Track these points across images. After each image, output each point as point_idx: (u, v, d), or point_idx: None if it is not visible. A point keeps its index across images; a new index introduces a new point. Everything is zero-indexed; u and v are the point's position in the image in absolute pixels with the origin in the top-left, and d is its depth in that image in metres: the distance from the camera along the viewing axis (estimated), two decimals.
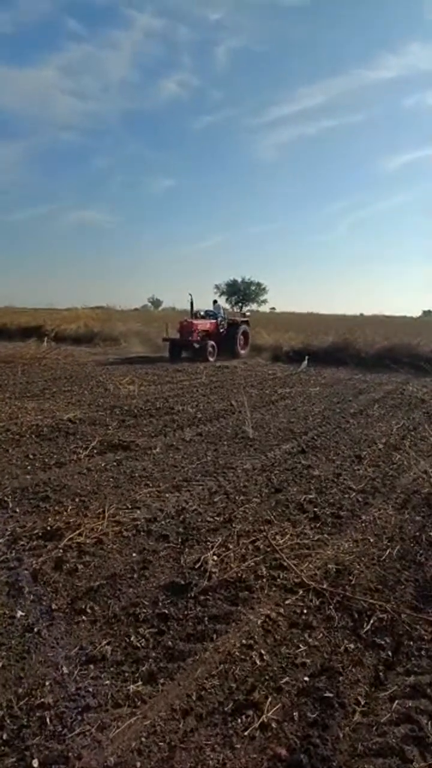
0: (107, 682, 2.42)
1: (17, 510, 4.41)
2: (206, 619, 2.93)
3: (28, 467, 5.55)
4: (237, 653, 2.65)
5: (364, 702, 2.36)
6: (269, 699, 2.34)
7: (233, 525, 4.20)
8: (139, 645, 2.70)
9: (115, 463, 5.77)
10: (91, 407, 8.82)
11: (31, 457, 5.91)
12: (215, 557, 3.61)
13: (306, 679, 2.50)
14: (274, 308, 64.89)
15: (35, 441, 6.59)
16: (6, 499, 4.62)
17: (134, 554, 3.68)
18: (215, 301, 20.13)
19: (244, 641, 2.75)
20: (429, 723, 2.24)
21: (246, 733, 2.16)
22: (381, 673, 2.57)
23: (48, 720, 2.16)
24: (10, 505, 4.50)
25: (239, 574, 3.39)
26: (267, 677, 2.50)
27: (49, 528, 3.99)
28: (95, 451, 6.17)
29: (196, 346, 16.88)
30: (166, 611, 2.99)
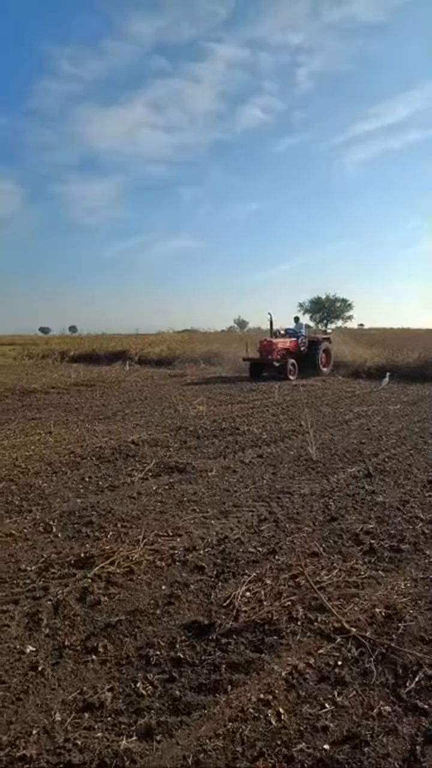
0: (99, 734, 2.20)
1: (59, 535, 4.36)
2: (224, 666, 2.64)
3: (81, 490, 5.54)
4: (251, 710, 2.34)
5: None
6: None
7: (276, 557, 3.86)
8: (144, 692, 2.46)
9: (167, 487, 5.61)
10: (157, 428, 8.80)
11: (86, 479, 5.91)
12: (247, 593, 3.31)
13: (325, 747, 2.14)
14: (362, 325, 62.77)
15: (94, 463, 6.62)
16: (51, 523, 4.60)
17: (163, 587, 3.46)
18: (297, 319, 19.80)
19: (262, 696, 2.42)
20: None
21: None
22: (418, 747, 2.14)
23: None
24: (54, 529, 4.46)
25: (271, 615, 3.06)
26: (280, 742, 2.17)
27: (83, 555, 3.88)
28: (150, 474, 6.07)
29: (276, 364, 16.70)
30: (182, 655, 2.73)
